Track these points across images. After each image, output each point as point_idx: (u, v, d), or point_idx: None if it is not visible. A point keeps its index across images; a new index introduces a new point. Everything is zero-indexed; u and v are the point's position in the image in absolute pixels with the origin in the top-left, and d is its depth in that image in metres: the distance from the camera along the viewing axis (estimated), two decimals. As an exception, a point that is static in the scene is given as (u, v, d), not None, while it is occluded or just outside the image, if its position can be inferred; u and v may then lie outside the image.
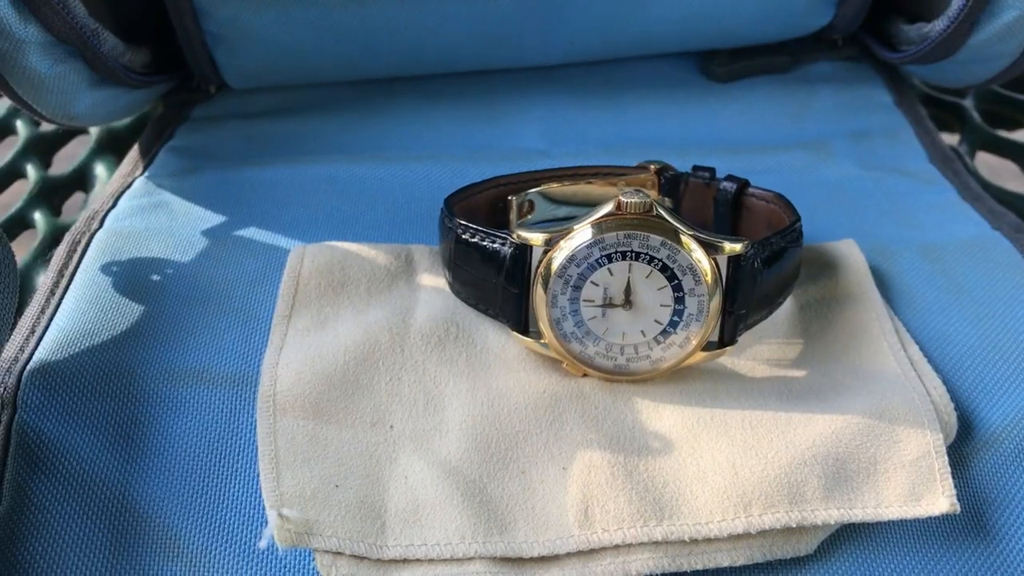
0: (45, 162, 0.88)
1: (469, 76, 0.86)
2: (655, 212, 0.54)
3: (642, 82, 0.87)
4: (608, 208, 0.55)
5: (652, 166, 0.70)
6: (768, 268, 0.57)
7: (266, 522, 0.47)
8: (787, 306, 0.62)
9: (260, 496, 0.48)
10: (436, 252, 0.60)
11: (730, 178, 0.68)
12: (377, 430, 0.53)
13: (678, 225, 0.54)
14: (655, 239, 0.51)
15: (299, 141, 0.80)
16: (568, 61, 0.81)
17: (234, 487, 0.51)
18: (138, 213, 0.69)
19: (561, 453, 0.51)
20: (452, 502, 0.47)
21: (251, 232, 0.66)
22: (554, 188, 0.64)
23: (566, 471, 0.50)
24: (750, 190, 0.67)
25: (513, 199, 0.67)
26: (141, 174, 0.77)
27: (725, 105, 0.84)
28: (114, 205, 0.68)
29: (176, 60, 0.82)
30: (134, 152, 0.78)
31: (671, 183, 0.69)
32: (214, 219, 0.68)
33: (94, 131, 0.90)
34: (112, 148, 0.90)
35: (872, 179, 0.74)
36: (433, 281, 0.63)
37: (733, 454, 0.49)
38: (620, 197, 0.55)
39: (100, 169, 0.86)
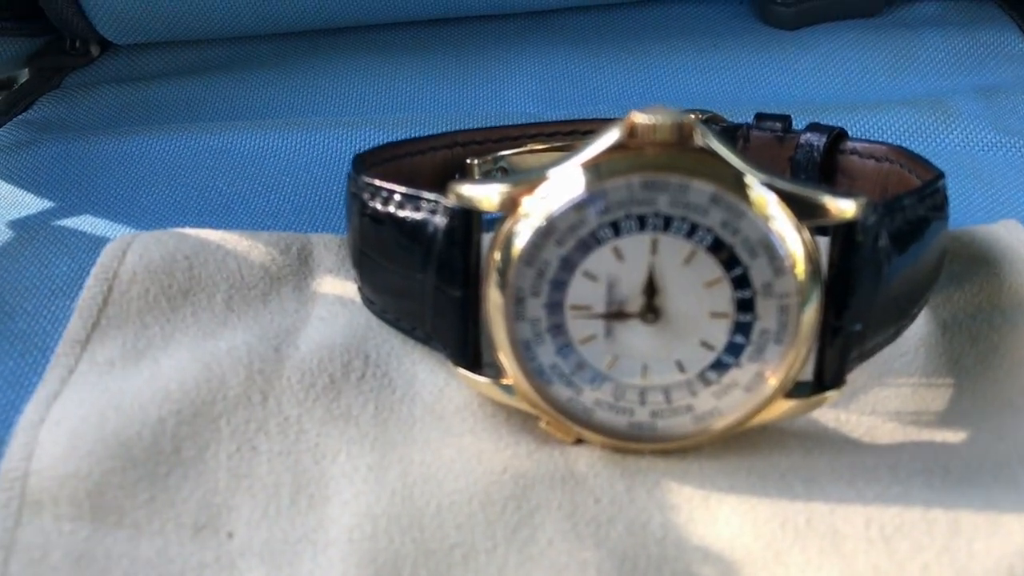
0: None
1: (435, 25, 0.62)
2: (698, 141, 0.30)
3: (677, 29, 0.68)
4: (612, 136, 0.30)
5: (693, 116, 0.45)
6: (902, 251, 0.34)
7: None
8: (922, 325, 0.40)
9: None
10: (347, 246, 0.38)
11: (815, 128, 0.43)
12: (204, 542, 0.32)
13: (741, 164, 0.30)
14: (700, 190, 0.31)
15: (192, 107, 0.59)
16: (571, 3, 0.66)
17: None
18: (-70, 198, 0.46)
19: None
20: None
21: (81, 222, 0.48)
22: (539, 152, 0.47)
23: (538, 624, 0.30)
24: (849, 144, 0.43)
25: (476, 163, 0.43)
26: (-38, 152, 0.54)
27: (795, 57, 0.65)
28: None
29: (30, 5, 0.59)
30: (-32, 129, 0.55)
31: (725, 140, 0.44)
32: (34, 205, 0.50)
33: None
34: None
35: (1017, 147, 0.56)
36: (339, 288, 0.39)
37: None
38: (633, 116, 0.30)
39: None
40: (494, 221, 0.33)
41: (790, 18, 0.66)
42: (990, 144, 0.55)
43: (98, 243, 0.46)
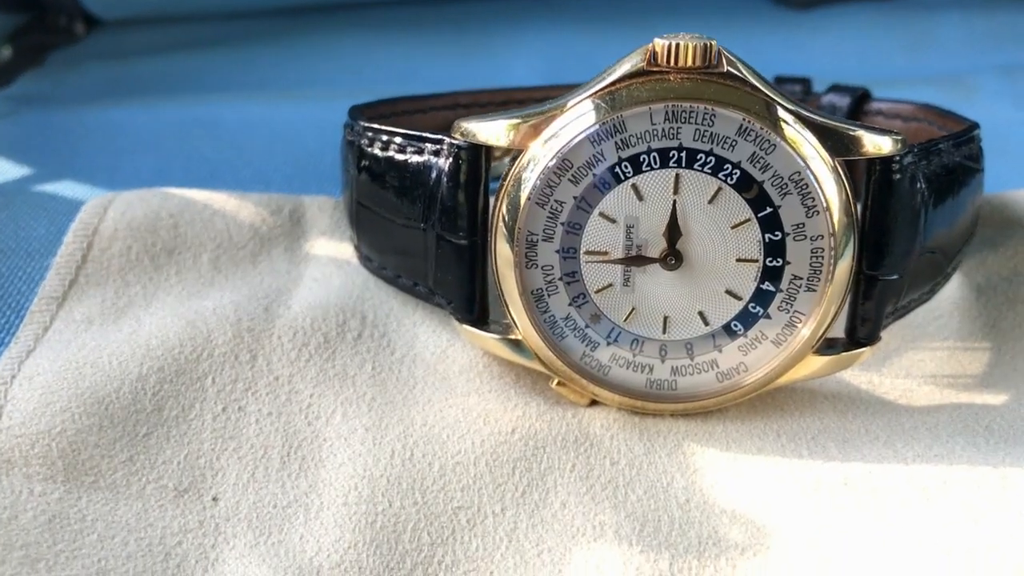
0: None
1: (435, 3, 0.60)
2: (726, 67, 0.27)
3: (687, 9, 0.67)
4: (632, 62, 0.28)
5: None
6: (938, 199, 0.32)
7: None
8: (956, 288, 0.38)
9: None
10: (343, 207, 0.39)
11: (837, 89, 0.41)
12: (187, 506, 0.30)
13: (771, 94, 0.28)
14: (728, 119, 0.29)
15: (179, 81, 0.57)
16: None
17: None
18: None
19: (542, 553, 0.28)
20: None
21: (61, 187, 0.48)
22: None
23: (551, 591, 0.27)
24: (873, 104, 0.41)
25: (479, 125, 0.40)
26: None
27: (808, 36, 0.64)
28: None
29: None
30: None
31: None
32: (11, 171, 0.50)
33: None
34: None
35: None
36: (333, 250, 0.37)
37: (896, 554, 0.27)
38: (656, 41, 0.27)
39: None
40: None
41: (803, -2, 0.64)
42: (1013, 120, 0.54)
43: (78, 207, 0.43)
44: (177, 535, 0.29)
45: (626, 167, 0.29)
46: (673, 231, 0.30)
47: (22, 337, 0.34)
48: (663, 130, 0.29)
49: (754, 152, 0.29)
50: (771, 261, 0.30)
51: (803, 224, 0.29)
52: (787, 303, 0.30)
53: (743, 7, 0.65)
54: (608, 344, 0.31)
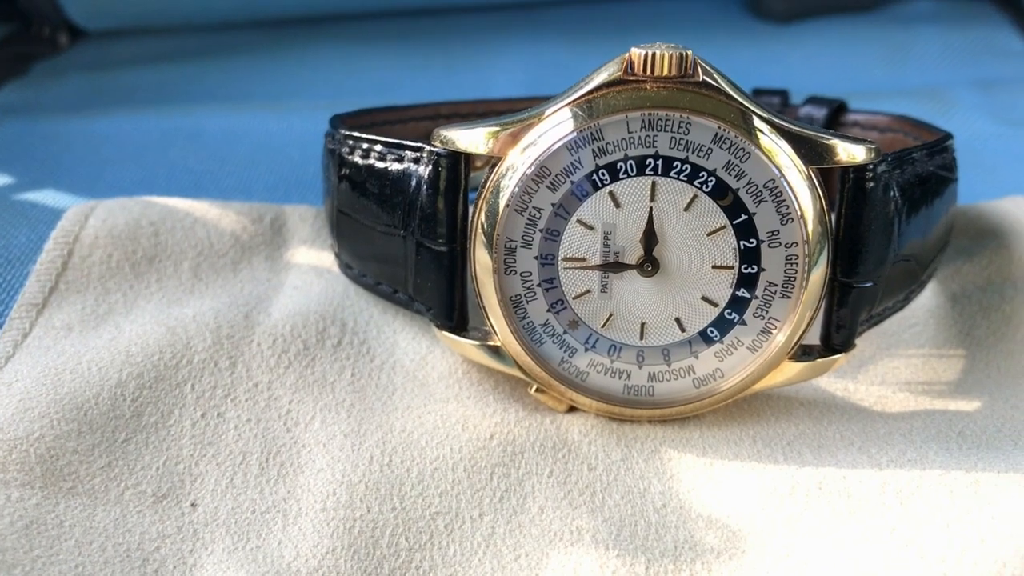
0: None
1: (418, 16, 0.60)
2: (701, 76, 0.28)
3: (666, 23, 0.67)
4: (608, 71, 0.28)
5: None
6: (912, 208, 0.32)
7: None
8: (931, 297, 0.38)
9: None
10: (324, 216, 0.39)
11: (814, 101, 0.42)
12: (165, 511, 0.30)
13: (746, 103, 0.28)
14: (704, 128, 0.29)
15: (163, 91, 0.57)
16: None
17: None
18: None
19: (520, 557, 0.28)
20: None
21: (43, 196, 0.48)
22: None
23: (527, 595, 0.27)
24: (850, 116, 0.42)
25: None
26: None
27: (788, 49, 0.64)
28: None
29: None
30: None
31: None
32: None
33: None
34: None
35: (1016, 137, 0.55)
36: (314, 258, 0.37)
37: (871, 557, 0.27)
38: (632, 50, 0.28)
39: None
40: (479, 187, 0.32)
41: (782, 11, 0.65)
42: (989, 134, 0.54)
43: (59, 216, 0.43)
44: (155, 540, 0.29)
45: (603, 174, 0.29)
46: (650, 238, 0.30)
47: (1, 343, 0.34)
48: (640, 138, 0.29)
49: (729, 160, 0.29)
50: (746, 268, 0.30)
51: (778, 231, 0.30)
52: (762, 309, 0.30)
53: (722, 21, 0.65)
54: (586, 350, 0.31)
